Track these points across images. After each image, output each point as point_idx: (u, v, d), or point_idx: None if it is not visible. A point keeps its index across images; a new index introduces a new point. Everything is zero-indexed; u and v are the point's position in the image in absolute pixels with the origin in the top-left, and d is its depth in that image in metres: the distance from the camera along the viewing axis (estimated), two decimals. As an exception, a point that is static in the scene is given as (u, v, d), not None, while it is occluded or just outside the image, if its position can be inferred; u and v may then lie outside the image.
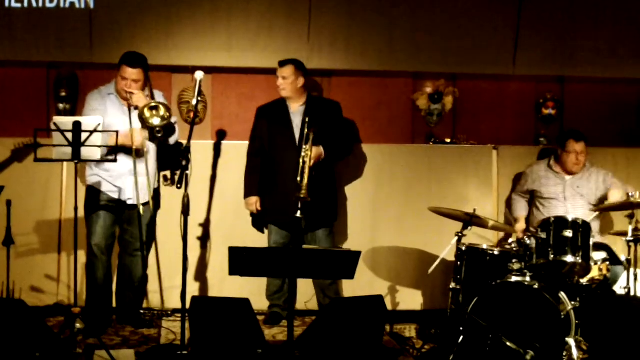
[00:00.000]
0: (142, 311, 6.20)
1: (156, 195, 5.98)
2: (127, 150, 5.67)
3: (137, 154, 5.63)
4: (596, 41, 6.91)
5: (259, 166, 6.11)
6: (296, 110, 6.08)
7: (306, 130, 5.74)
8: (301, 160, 5.65)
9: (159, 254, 6.36)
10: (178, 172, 5.36)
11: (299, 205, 5.24)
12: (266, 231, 6.25)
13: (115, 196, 5.79)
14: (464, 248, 5.56)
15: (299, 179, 5.56)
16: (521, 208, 6.35)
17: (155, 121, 5.49)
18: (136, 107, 5.62)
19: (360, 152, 6.54)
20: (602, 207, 5.97)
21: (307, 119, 5.78)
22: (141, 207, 5.77)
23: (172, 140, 5.92)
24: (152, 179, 5.88)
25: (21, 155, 6.23)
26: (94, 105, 5.77)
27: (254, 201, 6.07)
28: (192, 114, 5.50)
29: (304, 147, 5.69)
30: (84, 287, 6.07)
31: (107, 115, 5.67)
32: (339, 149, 6.05)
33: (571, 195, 6.14)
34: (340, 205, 6.39)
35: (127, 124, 5.61)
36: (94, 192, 5.78)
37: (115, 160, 5.34)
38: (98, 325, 5.67)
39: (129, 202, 5.82)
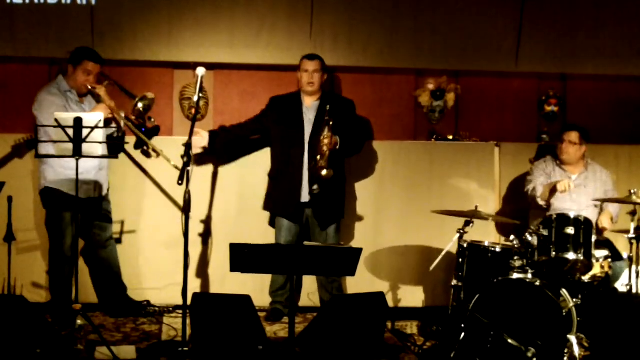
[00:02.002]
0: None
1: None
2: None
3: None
4: (599, 38, 6.90)
5: (238, 129, 6.21)
6: (310, 106, 6.08)
7: (327, 117, 5.74)
8: (321, 140, 5.70)
9: (160, 251, 6.36)
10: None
11: (319, 179, 5.33)
12: (267, 224, 6.28)
13: (78, 194, 5.60)
14: (465, 245, 5.56)
15: (318, 157, 5.64)
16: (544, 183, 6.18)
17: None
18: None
19: (363, 149, 6.53)
20: (604, 200, 5.99)
21: (328, 107, 5.79)
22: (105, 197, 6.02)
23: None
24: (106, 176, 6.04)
25: (22, 152, 6.23)
26: (57, 102, 5.75)
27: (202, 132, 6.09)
28: (193, 110, 5.52)
29: (324, 131, 5.72)
30: (85, 283, 6.07)
31: (70, 111, 5.67)
32: (350, 145, 6.06)
33: (577, 193, 6.13)
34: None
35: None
36: (55, 194, 5.75)
37: (116, 157, 5.35)
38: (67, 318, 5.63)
39: (94, 195, 5.89)
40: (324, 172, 5.61)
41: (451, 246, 5.61)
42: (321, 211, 6.00)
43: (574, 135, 6.16)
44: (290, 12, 6.62)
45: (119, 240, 6.26)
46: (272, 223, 6.30)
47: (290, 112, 6.08)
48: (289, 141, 6.01)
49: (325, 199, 5.90)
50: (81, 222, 5.81)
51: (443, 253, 5.62)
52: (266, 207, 6.23)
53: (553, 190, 5.92)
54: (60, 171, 5.73)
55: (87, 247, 6.12)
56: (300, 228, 6.09)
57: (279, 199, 6.09)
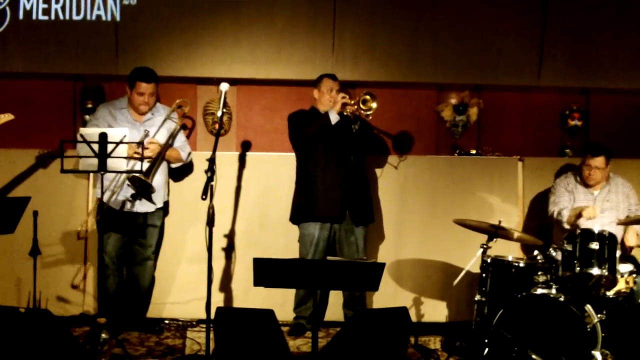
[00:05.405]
0: (167, 321, 6.31)
1: (165, 206, 6.19)
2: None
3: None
4: (621, 52, 6.88)
5: None
6: (334, 119, 6.07)
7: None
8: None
9: (184, 265, 6.39)
10: None
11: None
12: (290, 238, 6.29)
13: (126, 207, 5.88)
14: (489, 260, 5.53)
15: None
16: (570, 207, 6.11)
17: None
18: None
19: (383, 163, 6.54)
20: (628, 221, 5.92)
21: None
22: (152, 216, 6.01)
23: (184, 155, 6.09)
24: (162, 189, 6.04)
25: (47, 166, 6.29)
26: (100, 119, 5.90)
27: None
28: (217, 126, 5.54)
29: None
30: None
31: (118, 126, 5.75)
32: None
33: (601, 209, 6.07)
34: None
35: (136, 138, 5.73)
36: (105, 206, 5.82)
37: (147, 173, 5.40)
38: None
39: (139, 211, 5.93)
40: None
41: (475, 261, 5.59)
42: (357, 210, 6.07)
43: (600, 161, 6.04)
44: (311, 28, 6.65)
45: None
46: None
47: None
48: (320, 153, 6.04)
49: (359, 198, 6.05)
50: (123, 236, 5.95)
51: (467, 268, 5.58)
52: (311, 213, 6.11)
53: (579, 215, 5.87)
54: (105, 184, 5.77)
55: (128, 261, 6.15)
56: (327, 242, 6.10)
57: (315, 206, 6.05)
